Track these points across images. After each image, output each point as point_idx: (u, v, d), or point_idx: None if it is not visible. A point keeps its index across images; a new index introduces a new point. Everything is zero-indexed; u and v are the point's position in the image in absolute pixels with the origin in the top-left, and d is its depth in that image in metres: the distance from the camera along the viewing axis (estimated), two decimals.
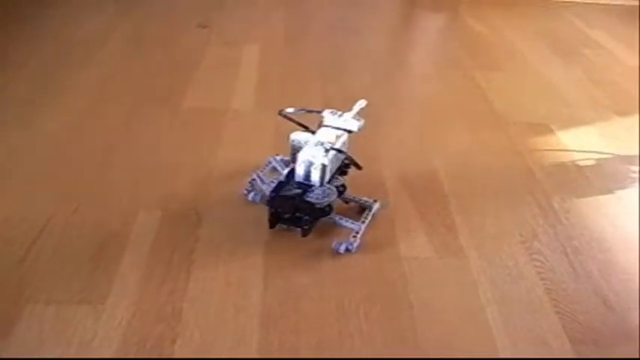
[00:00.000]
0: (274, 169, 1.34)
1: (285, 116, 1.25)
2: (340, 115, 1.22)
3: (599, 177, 1.46)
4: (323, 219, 1.18)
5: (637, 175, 1.49)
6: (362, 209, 1.25)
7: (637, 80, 2.05)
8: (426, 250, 1.17)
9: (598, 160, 1.55)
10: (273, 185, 1.19)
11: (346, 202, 1.27)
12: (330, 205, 1.16)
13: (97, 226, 1.17)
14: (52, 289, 1.01)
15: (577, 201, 1.36)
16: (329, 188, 1.17)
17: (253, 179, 1.29)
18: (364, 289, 1.06)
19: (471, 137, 1.61)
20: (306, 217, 1.14)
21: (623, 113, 1.81)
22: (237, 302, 1.02)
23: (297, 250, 1.14)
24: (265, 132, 1.53)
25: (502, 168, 1.48)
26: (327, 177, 1.17)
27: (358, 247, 1.15)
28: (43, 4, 2.37)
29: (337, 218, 1.21)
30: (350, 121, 1.21)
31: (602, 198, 1.38)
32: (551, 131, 1.67)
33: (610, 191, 1.41)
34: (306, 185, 1.17)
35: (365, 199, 1.27)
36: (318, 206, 1.14)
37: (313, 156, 1.15)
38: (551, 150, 1.57)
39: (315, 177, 1.16)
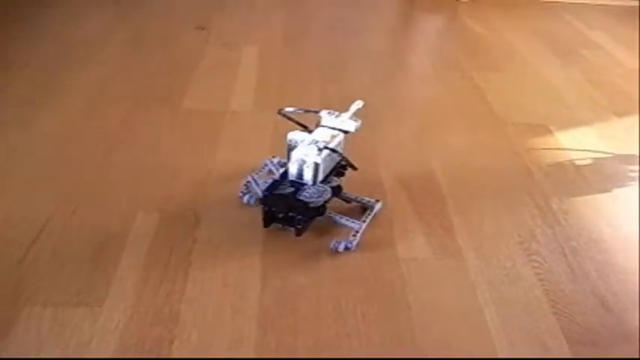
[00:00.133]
0: (270, 171, 1.34)
1: (284, 115, 1.25)
2: (337, 116, 1.23)
3: (597, 177, 1.46)
4: (321, 218, 1.18)
5: (636, 174, 1.49)
6: (363, 209, 1.25)
7: (636, 81, 2.05)
8: (424, 251, 1.17)
9: (596, 160, 1.55)
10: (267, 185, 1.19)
11: (347, 202, 1.27)
12: (324, 205, 1.16)
13: (96, 227, 1.17)
14: (50, 291, 1.01)
15: (575, 201, 1.36)
16: (323, 188, 1.17)
17: (248, 181, 1.29)
18: (362, 289, 1.06)
19: (469, 138, 1.61)
20: (300, 217, 1.14)
21: (621, 114, 1.81)
22: (234, 303, 1.02)
23: (295, 250, 1.14)
24: (264, 133, 1.53)
25: (500, 168, 1.48)
26: (321, 176, 1.17)
27: (357, 245, 1.15)
28: (43, 4, 2.37)
29: (337, 217, 1.21)
30: (347, 121, 1.22)
31: (600, 198, 1.38)
32: (550, 132, 1.67)
33: (608, 191, 1.41)
34: (298, 184, 1.17)
35: (367, 198, 1.27)
36: (312, 205, 1.14)
37: (306, 154, 1.15)
38: (549, 149, 1.57)
39: (308, 175, 1.16)
